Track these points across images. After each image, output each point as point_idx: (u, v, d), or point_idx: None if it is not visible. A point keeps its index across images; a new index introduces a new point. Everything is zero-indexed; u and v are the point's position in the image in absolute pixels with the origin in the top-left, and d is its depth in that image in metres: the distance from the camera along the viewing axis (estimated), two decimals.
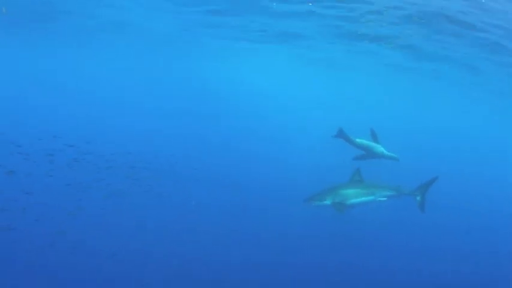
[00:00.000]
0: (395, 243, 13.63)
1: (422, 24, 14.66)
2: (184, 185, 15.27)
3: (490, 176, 25.90)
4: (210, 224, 12.81)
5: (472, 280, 12.37)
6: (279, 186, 16.31)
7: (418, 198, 11.65)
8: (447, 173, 16.98)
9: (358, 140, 12.77)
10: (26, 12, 23.50)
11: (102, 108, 29.05)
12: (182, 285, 10.16)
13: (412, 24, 14.89)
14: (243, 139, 24.14)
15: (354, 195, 10.96)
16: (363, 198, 11.03)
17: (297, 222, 13.10)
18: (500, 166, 32.22)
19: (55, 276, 9.59)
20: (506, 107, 32.11)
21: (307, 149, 22.96)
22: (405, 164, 13.35)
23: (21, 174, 11.31)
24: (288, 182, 16.54)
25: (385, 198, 11.19)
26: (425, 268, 12.52)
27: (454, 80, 27.57)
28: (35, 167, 11.98)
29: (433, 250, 13.80)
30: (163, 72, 58.51)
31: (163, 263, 10.74)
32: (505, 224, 17.35)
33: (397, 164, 13.04)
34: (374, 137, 12.70)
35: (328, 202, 10.88)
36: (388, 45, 19.22)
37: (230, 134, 25.34)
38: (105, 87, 42.02)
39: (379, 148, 12.65)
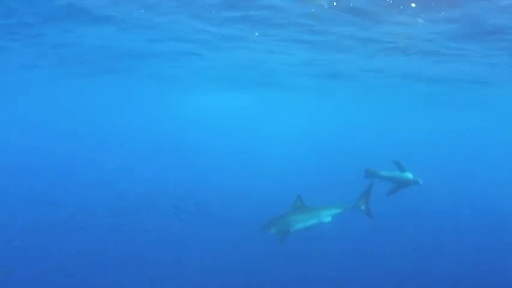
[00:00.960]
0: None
1: None
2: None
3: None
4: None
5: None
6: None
7: (363, 207, 11.83)
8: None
9: (385, 173, 12.53)
10: None
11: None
12: None
13: None
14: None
15: (298, 221, 10.99)
16: (307, 223, 10.98)
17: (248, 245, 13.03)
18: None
19: None
20: None
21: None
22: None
23: None
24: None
25: (330, 219, 11.01)
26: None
27: None
28: None
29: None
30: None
31: None
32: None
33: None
34: (400, 167, 12.40)
35: (273, 231, 10.86)
36: None
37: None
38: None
39: (408, 175, 12.34)
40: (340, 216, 11.26)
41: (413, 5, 9.27)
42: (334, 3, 9.50)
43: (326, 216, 10.92)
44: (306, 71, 22.13)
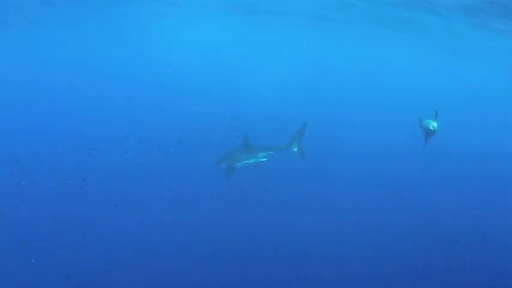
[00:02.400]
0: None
1: None
2: None
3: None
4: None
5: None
6: None
7: (295, 149, 12.95)
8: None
9: (424, 121, 12.23)
10: None
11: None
12: None
13: None
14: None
15: (241, 159, 12.88)
16: (247, 161, 12.90)
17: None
18: None
19: None
20: None
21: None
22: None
23: None
24: None
25: (265, 159, 12.99)
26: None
27: None
28: None
29: None
30: None
31: None
32: None
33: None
34: (436, 116, 12.11)
35: (224, 165, 12.92)
36: None
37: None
38: None
39: (430, 123, 11.92)
40: (276, 157, 13.06)
41: None
42: None
43: (262, 157, 12.83)
44: None
